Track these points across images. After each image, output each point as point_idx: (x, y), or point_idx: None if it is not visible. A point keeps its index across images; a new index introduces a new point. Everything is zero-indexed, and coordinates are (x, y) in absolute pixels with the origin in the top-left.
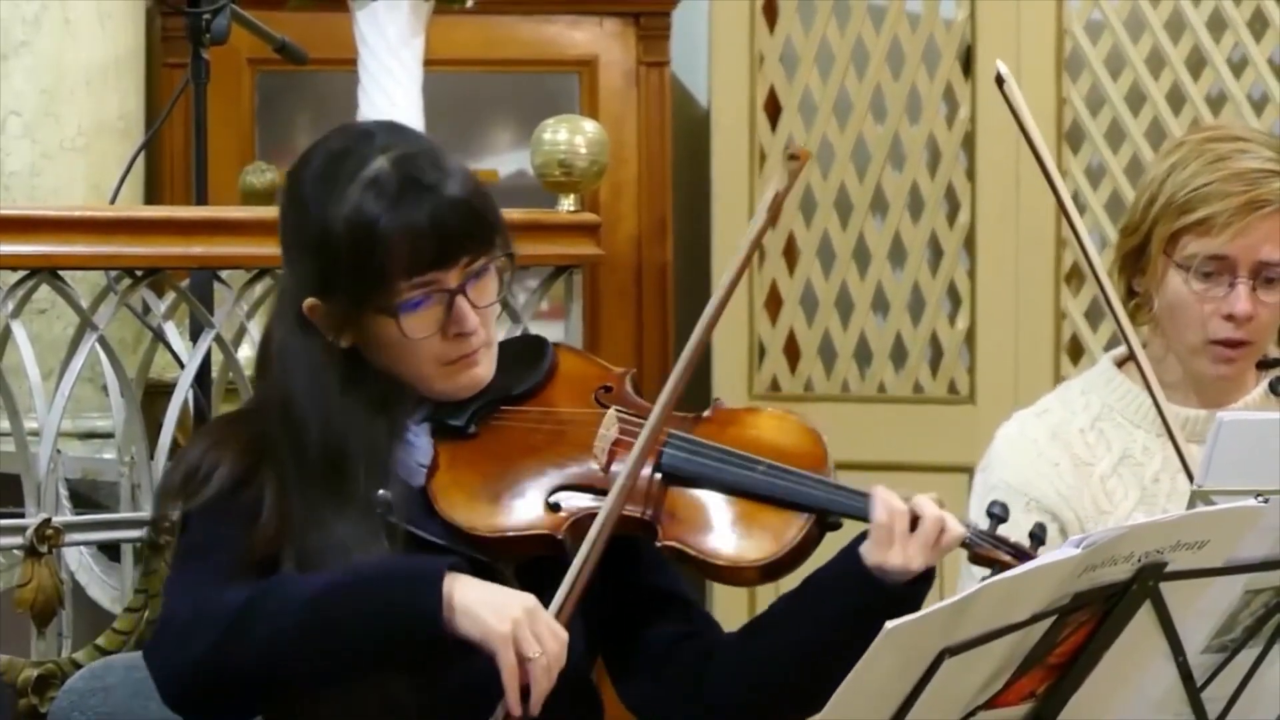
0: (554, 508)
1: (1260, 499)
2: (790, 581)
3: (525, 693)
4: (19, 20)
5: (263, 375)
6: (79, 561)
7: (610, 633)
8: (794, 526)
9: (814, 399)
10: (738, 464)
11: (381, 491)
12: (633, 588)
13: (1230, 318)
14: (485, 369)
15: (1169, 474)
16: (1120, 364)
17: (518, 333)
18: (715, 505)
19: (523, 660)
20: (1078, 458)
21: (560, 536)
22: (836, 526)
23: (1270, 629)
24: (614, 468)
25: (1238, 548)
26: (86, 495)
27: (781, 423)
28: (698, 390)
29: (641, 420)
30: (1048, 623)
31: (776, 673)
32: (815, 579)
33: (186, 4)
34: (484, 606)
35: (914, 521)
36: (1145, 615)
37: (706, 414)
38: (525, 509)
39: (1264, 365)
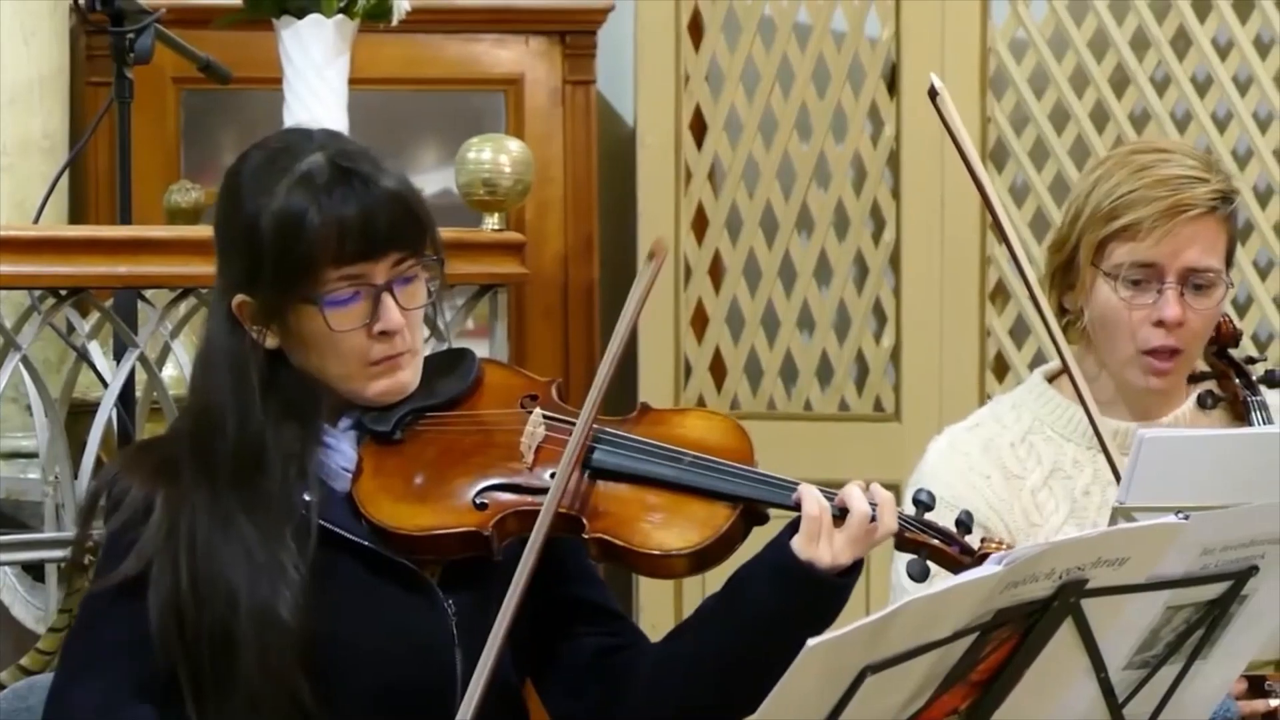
0: (480, 506)
1: (1181, 515)
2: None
3: None
4: None
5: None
6: (3, 581)
7: (535, 644)
8: (721, 516)
9: (740, 417)
10: (663, 457)
11: (306, 496)
12: (558, 599)
13: (1160, 324)
14: (409, 375)
15: (1099, 487)
16: (1051, 379)
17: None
18: (642, 498)
19: None
20: (1008, 471)
21: (487, 533)
22: (764, 519)
23: (1191, 645)
24: (540, 468)
25: (1159, 564)
26: (10, 515)
27: (707, 420)
28: (625, 406)
29: (569, 421)
30: (970, 640)
31: (695, 681)
32: (738, 574)
33: (110, 23)
34: None
35: (842, 514)
36: (1067, 632)
37: (633, 415)
38: (452, 508)
39: (1194, 379)
